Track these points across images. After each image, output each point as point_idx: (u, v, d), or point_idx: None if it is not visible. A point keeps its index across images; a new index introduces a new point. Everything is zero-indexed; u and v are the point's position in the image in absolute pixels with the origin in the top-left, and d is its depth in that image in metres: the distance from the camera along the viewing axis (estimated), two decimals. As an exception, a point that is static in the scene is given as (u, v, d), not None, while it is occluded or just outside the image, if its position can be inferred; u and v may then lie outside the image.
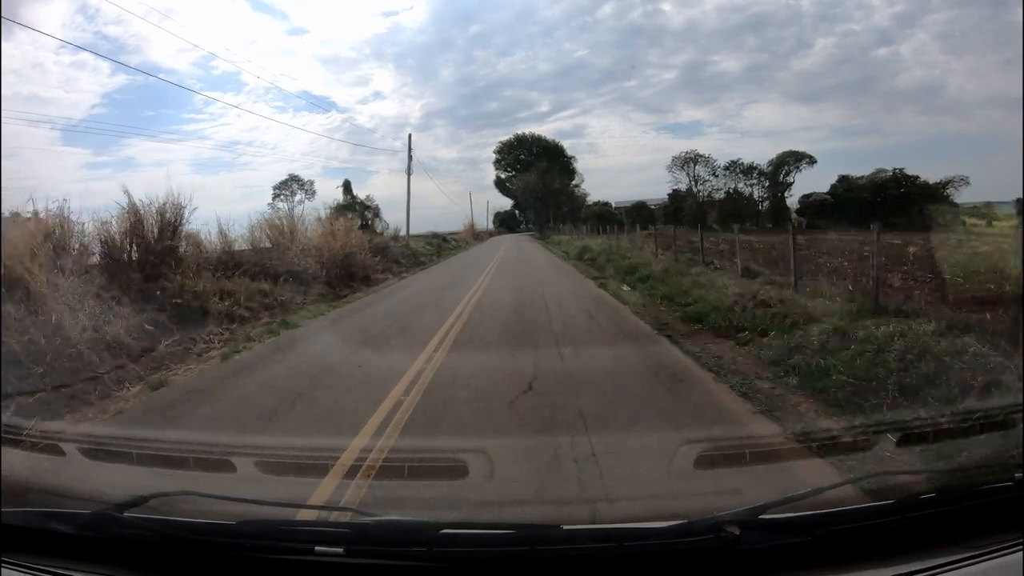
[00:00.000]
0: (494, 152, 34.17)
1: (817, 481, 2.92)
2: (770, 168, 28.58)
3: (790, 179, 28.16)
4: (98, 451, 3.45)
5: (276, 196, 28.68)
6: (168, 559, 1.52)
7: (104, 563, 1.51)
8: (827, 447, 3.41)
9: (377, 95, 31.57)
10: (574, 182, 33.91)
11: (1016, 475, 1.54)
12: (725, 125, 30.25)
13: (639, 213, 29.13)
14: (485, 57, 29.70)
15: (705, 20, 27.99)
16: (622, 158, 33.35)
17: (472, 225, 37.62)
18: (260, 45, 30.07)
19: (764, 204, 28.85)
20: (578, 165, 33.32)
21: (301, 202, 28.28)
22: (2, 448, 3.08)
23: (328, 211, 26.05)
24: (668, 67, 28.87)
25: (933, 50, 24.21)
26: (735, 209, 27.62)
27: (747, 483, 3.03)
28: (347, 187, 29.95)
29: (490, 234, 38.31)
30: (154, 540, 1.52)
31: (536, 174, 32.31)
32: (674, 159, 29.79)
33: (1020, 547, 1.36)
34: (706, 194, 29.56)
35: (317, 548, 1.45)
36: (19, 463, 3.05)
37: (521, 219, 38.92)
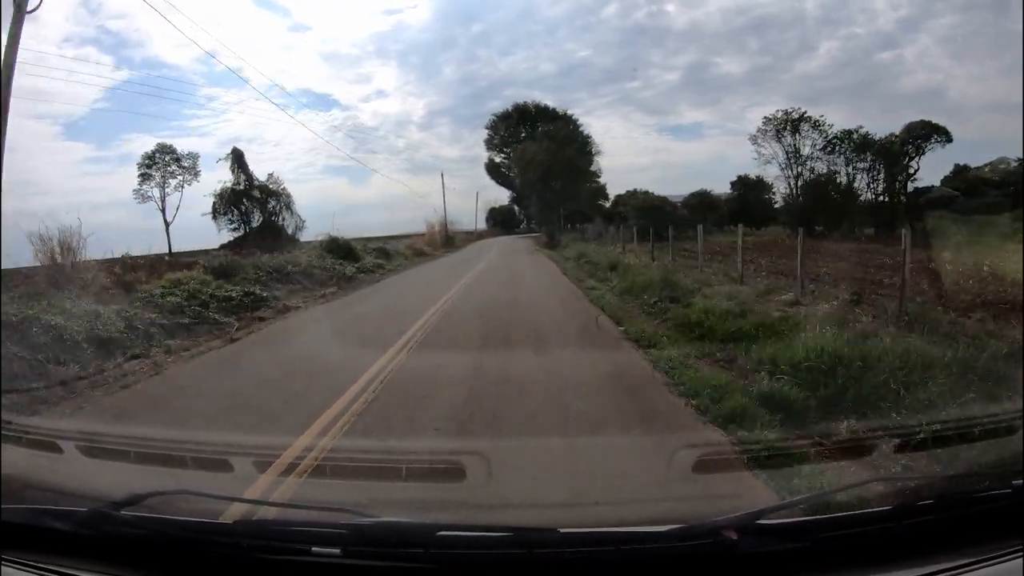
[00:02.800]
0: (486, 128, 25.36)
1: (816, 486, 2.92)
2: (893, 143, 19.60)
3: (914, 164, 19.84)
4: (95, 448, 3.44)
5: (144, 177, 19.87)
6: (164, 558, 1.52)
7: (101, 561, 1.51)
8: (827, 452, 3.40)
9: (380, 93, 30.69)
10: (592, 167, 25.26)
11: (1015, 482, 1.54)
12: (727, 127, 29.35)
13: (701, 208, 21.55)
14: (487, 56, 28.93)
15: (709, 21, 27.58)
16: (624, 159, 32.21)
17: (443, 224, 26.54)
18: (263, 41, 29.62)
19: (878, 198, 20.33)
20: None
21: (181, 186, 19.85)
22: (1, 445, 3.08)
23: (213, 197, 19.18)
24: (671, 68, 28.36)
25: (936, 54, 23.98)
26: (839, 206, 19.83)
27: (745, 487, 3.03)
28: (237, 160, 19.96)
29: (479, 236, 29.13)
30: (150, 538, 1.52)
31: (543, 143, 23.60)
32: (767, 121, 20.20)
33: (1019, 554, 1.36)
34: (803, 178, 20.16)
35: (314, 549, 1.44)
36: (17, 460, 3.05)
37: (522, 216, 29.58)
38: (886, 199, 20.22)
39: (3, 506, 1.59)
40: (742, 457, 3.39)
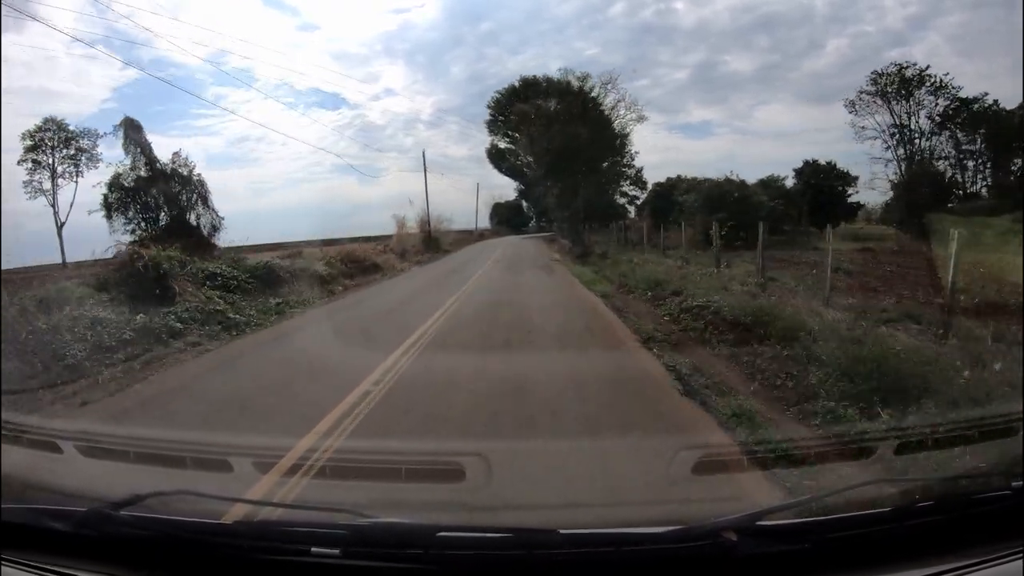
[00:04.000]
0: (488, 107, 20.52)
1: (815, 488, 2.92)
2: (1012, 117, 14.84)
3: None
4: (94, 449, 3.44)
5: (32, 163, 14.82)
6: (164, 558, 1.51)
7: (101, 560, 1.50)
8: (826, 454, 3.40)
9: (388, 92, 30.26)
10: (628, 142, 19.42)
11: (1015, 483, 1.54)
12: (735, 126, 28.73)
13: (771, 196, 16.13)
14: (496, 54, 28.34)
15: (717, 20, 27.35)
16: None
17: (425, 222, 21.01)
18: (271, 40, 29.14)
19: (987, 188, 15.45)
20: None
21: (76, 175, 14.71)
22: (1, 445, 3.08)
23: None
24: (679, 66, 28.12)
25: (945, 52, 23.88)
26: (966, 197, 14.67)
27: (745, 489, 3.03)
28: (131, 135, 14.29)
29: (480, 236, 25.31)
30: (150, 538, 1.52)
31: (563, 104, 18.53)
32: (875, 79, 14.84)
33: (1019, 556, 1.36)
34: (917, 159, 15.01)
35: (314, 549, 1.44)
36: (17, 460, 3.05)
37: (530, 213, 25.24)
38: (991, 189, 15.26)
39: (3, 506, 1.59)
40: (742, 458, 3.39)
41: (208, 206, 15.12)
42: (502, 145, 21.20)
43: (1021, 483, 1.53)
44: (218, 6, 23.18)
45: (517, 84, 19.69)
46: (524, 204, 25.38)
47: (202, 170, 15.51)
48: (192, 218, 14.88)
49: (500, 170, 22.07)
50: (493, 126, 20.79)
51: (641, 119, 18.84)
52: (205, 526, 1.56)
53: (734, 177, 16.30)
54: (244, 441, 3.86)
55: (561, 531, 1.51)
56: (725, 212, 13.55)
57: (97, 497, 1.70)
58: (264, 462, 3.30)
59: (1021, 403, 3.84)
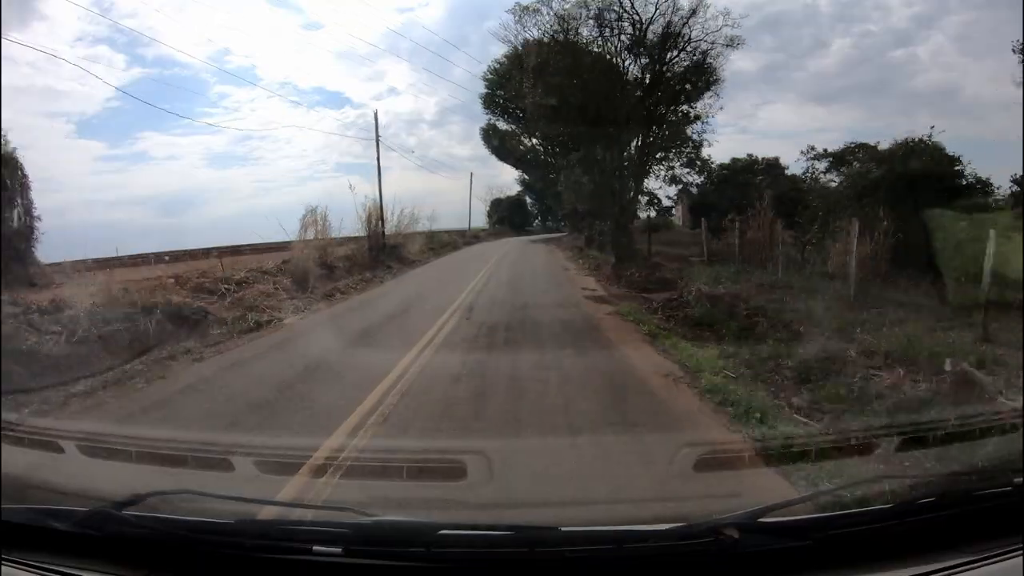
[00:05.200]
0: (483, 79, 15.61)
1: (817, 485, 2.93)
2: None
3: None
4: (96, 448, 3.44)
5: None
6: (166, 557, 1.52)
7: (103, 560, 1.50)
8: (827, 450, 3.40)
9: (392, 91, 30.05)
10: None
11: (1016, 480, 1.54)
12: (740, 125, 28.69)
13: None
14: (500, 52, 28.16)
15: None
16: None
17: (375, 217, 14.96)
18: (275, 39, 29.16)
19: None
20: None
21: None
22: (2, 445, 3.08)
23: None
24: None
25: (951, 52, 23.81)
26: None
27: (746, 486, 3.03)
28: None
29: (474, 237, 21.50)
30: (152, 538, 1.52)
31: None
32: None
33: (1020, 552, 1.36)
34: None
35: (315, 548, 1.44)
36: (18, 460, 3.05)
37: (535, 209, 21.06)
38: None
39: (4, 506, 1.59)
40: (743, 455, 3.40)
41: (26, 201, 10.24)
42: (501, 125, 16.61)
43: (1022, 479, 1.53)
44: (223, 4, 22.98)
45: (520, 47, 13.72)
46: (528, 199, 21.40)
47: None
48: (14, 218, 10.22)
49: (498, 155, 17.90)
50: (491, 102, 16.00)
51: (734, 43, 11.96)
52: (207, 525, 1.56)
53: (929, 140, 10.50)
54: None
55: (562, 528, 1.51)
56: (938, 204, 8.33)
57: (100, 497, 1.70)
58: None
59: (1021, 400, 3.84)
